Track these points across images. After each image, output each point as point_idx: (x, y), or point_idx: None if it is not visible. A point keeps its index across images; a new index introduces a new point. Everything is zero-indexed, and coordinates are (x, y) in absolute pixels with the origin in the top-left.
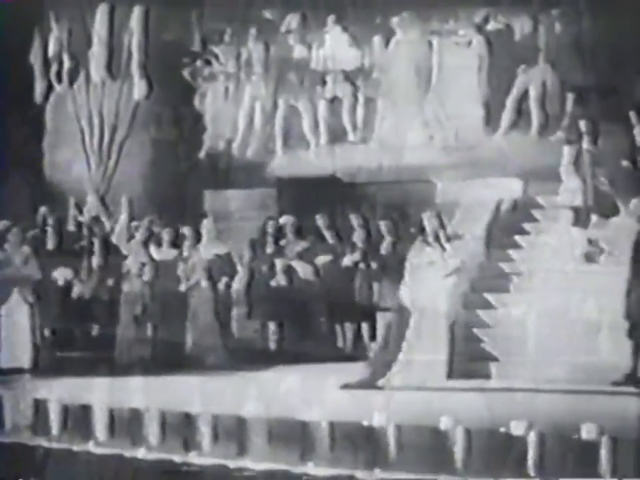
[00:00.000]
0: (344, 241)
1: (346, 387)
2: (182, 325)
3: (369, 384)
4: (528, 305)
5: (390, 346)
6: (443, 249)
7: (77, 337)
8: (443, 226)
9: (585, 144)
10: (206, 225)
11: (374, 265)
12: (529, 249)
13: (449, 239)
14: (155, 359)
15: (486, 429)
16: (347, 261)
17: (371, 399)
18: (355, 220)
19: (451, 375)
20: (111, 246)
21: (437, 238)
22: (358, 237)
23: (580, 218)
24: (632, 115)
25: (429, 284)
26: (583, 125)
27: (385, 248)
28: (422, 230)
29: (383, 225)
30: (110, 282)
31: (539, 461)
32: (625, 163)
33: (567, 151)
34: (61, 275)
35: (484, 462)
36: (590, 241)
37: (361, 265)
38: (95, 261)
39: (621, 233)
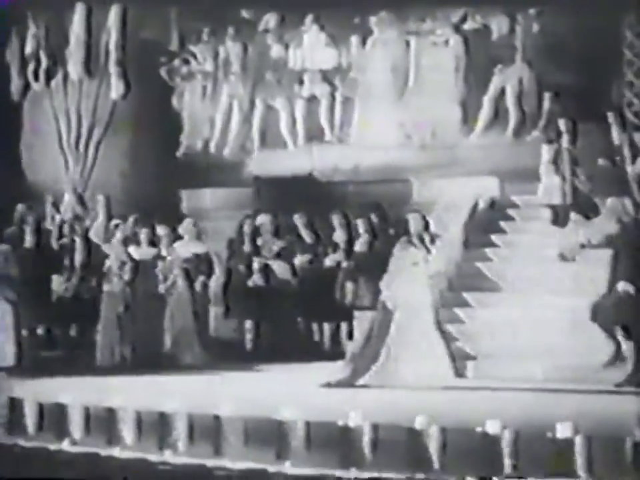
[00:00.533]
0: (322, 240)
1: (327, 385)
2: (160, 324)
3: (350, 383)
4: (504, 304)
5: (372, 345)
6: (428, 250)
7: (57, 336)
8: (427, 227)
9: (565, 143)
10: (186, 225)
11: (351, 264)
12: (505, 247)
13: (433, 241)
14: (134, 359)
15: (462, 428)
16: (329, 261)
17: (346, 398)
18: (336, 220)
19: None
20: (92, 244)
21: (421, 239)
22: (339, 236)
23: (558, 217)
24: (610, 115)
25: (413, 284)
26: (562, 124)
27: (361, 246)
28: (406, 230)
29: (360, 224)
30: (91, 281)
31: (515, 459)
32: (602, 161)
33: (546, 150)
34: (58, 283)
35: (460, 461)
36: (581, 243)
37: (344, 265)
38: (77, 259)
39: (600, 231)
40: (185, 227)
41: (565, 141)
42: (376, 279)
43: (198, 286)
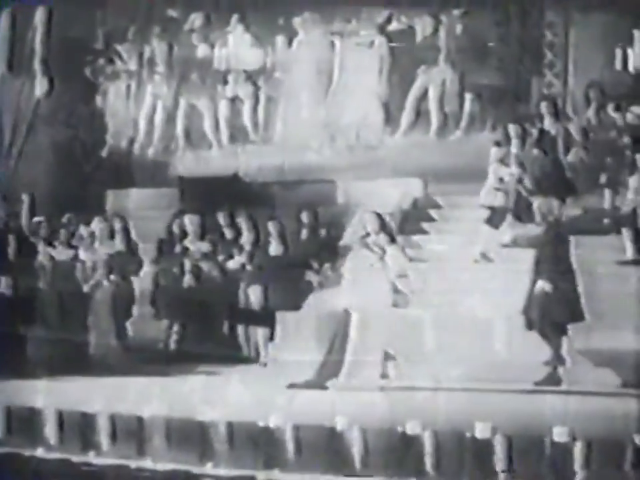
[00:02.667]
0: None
1: (292, 386)
2: (85, 325)
3: (319, 385)
4: (426, 304)
5: (337, 349)
6: (383, 251)
7: None
8: (384, 227)
9: (513, 148)
10: (97, 224)
11: (264, 266)
12: (427, 248)
13: (393, 240)
14: (59, 360)
15: (383, 429)
16: (232, 264)
17: (269, 399)
18: (243, 222)
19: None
20: (24, 242)
21: (376, 240)
22: (245, 238)
23: (494, 218)
24: (543, 105)
25: (370, 287)
26: (511, 129)
27: (274, 249)
28: (367, 234)
29: (270, 226)
30: (26, 279)
31: (436, 459)
32: (535, 151)
33: (494, 152)
34: (6, 285)
35: (381, 461)
36: (504, 244)
37: (248, 267)
38: (10, 257)
39: (527, 233)
40: (95, 226)
41: (513, 145)
42: (294, 280)
43: (122, 286)
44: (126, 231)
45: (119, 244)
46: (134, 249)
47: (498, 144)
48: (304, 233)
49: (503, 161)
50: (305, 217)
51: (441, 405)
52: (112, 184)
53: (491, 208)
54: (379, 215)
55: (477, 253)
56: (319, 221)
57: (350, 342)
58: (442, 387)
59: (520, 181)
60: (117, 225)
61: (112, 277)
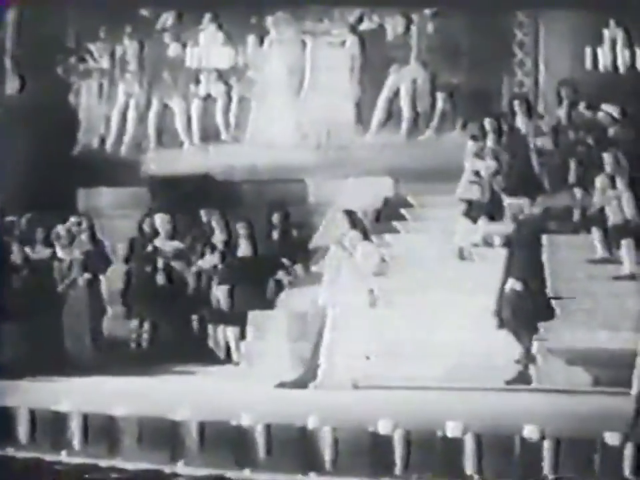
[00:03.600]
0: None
1: (281, 385)
2: (60, 324)
3: (304, 384)
4: (397, 303)
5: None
6: (353, 248)
7: None
8: (355, 225)
9: (489, 142)
10: (72, 223)
11: (232, 267)
12: (399, 247)
13: (367, 237)
14: (32, 359)
15: (354, 428)
16: (202, 264)
17: (239, 398)
18: (215, 222)
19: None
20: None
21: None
22: (217, 238)
23: (471, 210)
24: (516, 103)
25: (344, 284)
26: (487, 123)
27: (242, 250)
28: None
29: (239, 227)
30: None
31: (406, 459)
32: (507, 149)
33: (470, 146)
34: None
35: (352, 460)
36: (474, 243)
37: (219, 267)
38: None
39: (499, 232)
40: (71, 225)
41: (489, 140)
42: (262, 280)
43: (96, 286)
44: (92, 229)
45: (86, 243)
46: (100, 248)
47: (474, 138)
48: (275, 233)
49: (479, 155)
50: (276, 217)
51: (412, 404)
52: (83, 183)
53: (468, 201)
54: (349, 213)
55: (455, 247)
56: (290, 220)
57: (325, 341)
58: (413, 385)
59: (494, 175)
60: (84, 224)
61: (86, 275)
